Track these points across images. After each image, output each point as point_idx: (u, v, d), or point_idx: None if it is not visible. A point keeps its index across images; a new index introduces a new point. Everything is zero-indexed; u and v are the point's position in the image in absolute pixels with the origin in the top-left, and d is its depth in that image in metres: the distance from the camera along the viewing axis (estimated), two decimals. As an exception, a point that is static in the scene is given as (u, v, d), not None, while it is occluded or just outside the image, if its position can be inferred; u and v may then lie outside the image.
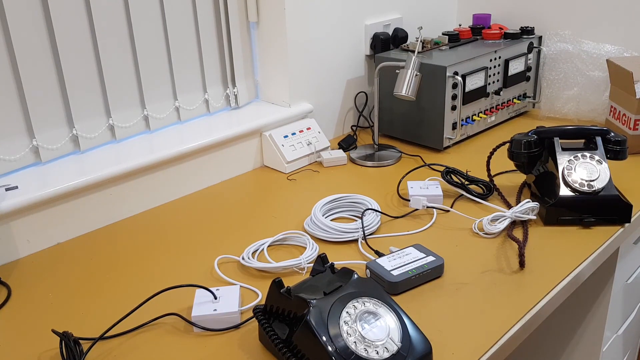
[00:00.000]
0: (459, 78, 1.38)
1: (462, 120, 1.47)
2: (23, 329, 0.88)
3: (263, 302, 0.82)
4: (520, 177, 1.28)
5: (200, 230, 1.14)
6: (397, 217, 1.15)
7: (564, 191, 1.09)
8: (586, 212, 1.09)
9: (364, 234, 1.07)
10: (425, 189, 1.20)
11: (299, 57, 1.44)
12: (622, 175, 1.27)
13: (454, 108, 1.42)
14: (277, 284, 0.78)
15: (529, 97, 1.68)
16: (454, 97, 1.41)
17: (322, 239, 1.08)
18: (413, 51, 1.39)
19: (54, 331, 0.82)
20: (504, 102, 1.60)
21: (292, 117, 1.45)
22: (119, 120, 1.25)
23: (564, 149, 1.15)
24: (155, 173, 1.24)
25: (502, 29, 1.62)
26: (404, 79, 1.31)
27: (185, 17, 1.31)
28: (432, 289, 0.92)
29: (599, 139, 1.15)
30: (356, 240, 1.07)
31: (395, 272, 0.92)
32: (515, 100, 1.63)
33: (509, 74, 1.56)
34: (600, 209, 1.08)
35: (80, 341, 0.82)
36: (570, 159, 1.12)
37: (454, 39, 1.58)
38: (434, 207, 1.17)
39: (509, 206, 1.16)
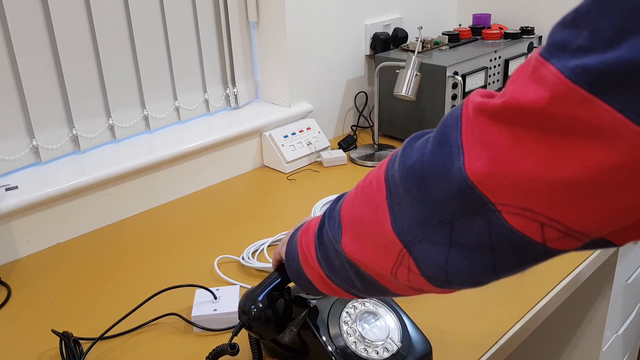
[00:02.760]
0: (459, 78, 1.38)
1: (462, 120, 1.47)
2: (23, 329, 0.88)
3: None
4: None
5: (200, 230, 1.14)
6: (397, 217, 1.15)
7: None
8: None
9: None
10: (425, 189, 1.20)
11: (299, 57, 1.44)
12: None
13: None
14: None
15: (529, 97, 1.68)
16: (454, 97, 1.41)
17: (322, 239, 1.08)
18: (413, 51, 1.39)
19: (54, 331, 0.82)
20: (504, 102, 1.59)
21: (292, 117, 1.45)
22: (119, 120, 1.25)
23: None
24: (155, 173, 1.24)
25: (502, 29, 1.62)
26: (404, 79, 1.31)
27: (185, 17, 1.31)
28: (432, 289, 0.92)
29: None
30: (356, 240, 1.07)
31: (395, 272, 0.92)
32: (515, 100, 1.62)
33: (509, 74, 1.55)
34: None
35: (80, 341, 0.82)
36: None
37: (454, 39, 1.58)
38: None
39: (509, 206, 1.16)
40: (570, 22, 0.38)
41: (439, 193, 0.44)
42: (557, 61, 0.37)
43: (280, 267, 0.73)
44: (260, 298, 0.70)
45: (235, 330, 0.72)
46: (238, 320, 0.83)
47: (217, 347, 0.74)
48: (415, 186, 0.46)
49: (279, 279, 0.72)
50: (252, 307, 0.70)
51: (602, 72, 0.34)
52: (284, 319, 0.72)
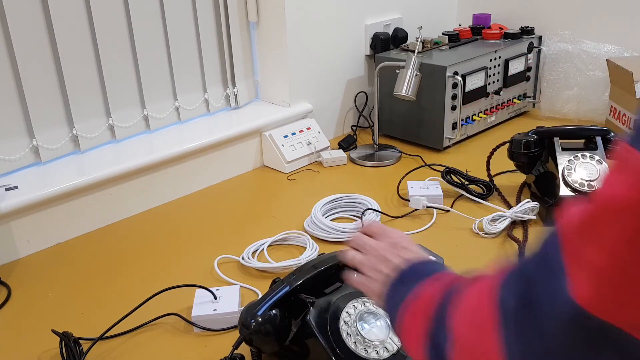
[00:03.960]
0: (459, 78, 1.38)
1: (462, 120, 1.47)
2: (23, 329, 0.88)
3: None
4: (520, 177, 1.28)
5: (200, 230, 1.14)
6: (397, 217, 1.15)
7: (564, 191, 1.09)
8: (586, 212, 1.08)
9: (364, 234, 1.07)
10: (425, 189, 1.20)
11: (299, 57, 1.44)
12: (622, 175, 1.27)
13: (454, 108, 1.42)
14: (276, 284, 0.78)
15: (529, 97, 1.68)
16: (454, 97, 1.41)
17: (322, 239, 1.08)
18: (413, 51, 1.39)
19: (54, 331, 0.82)
20: (504, 102, 1.59)
21: (292, 117, 1.45)
22: (119, 120, 1.25)
23: (564, 149, 1.15)
24: (155, 173, 1.24)
25: (502, 29, 1.62)
26: (404, 79, 1.31)
27: (185, 17, 1.31)
28: (432, 289, 0.92)
29: (599, 139, 1.15)
30: (356, 240, 1.07)
31: (395, 272, 0.92)
32: (515, 100, 1.62)
33: (509, 73, 1.55)
34: (600, 209, 1.08)
35: (80, 341, 0.82)
36: (570, 159, 1.12)
37: (454, 39, 1.58)
38: (434, 207, 1.17)
39: (509, 206, 1.16)
40: None
41: (550, 325, 0.40)
42: None
43: (275, 283, 0.73)
44: (260, 312, 0.71)
45: (236, 344, 0.72)
46: (238, 320, 0.83)
47: (223, 358, 0.74)
48: (527, 319, 0.42)
49: (280, 293, 0.72)
50: (252, 321, 0.71)
51: None
52: (284, 332, 0.72)
